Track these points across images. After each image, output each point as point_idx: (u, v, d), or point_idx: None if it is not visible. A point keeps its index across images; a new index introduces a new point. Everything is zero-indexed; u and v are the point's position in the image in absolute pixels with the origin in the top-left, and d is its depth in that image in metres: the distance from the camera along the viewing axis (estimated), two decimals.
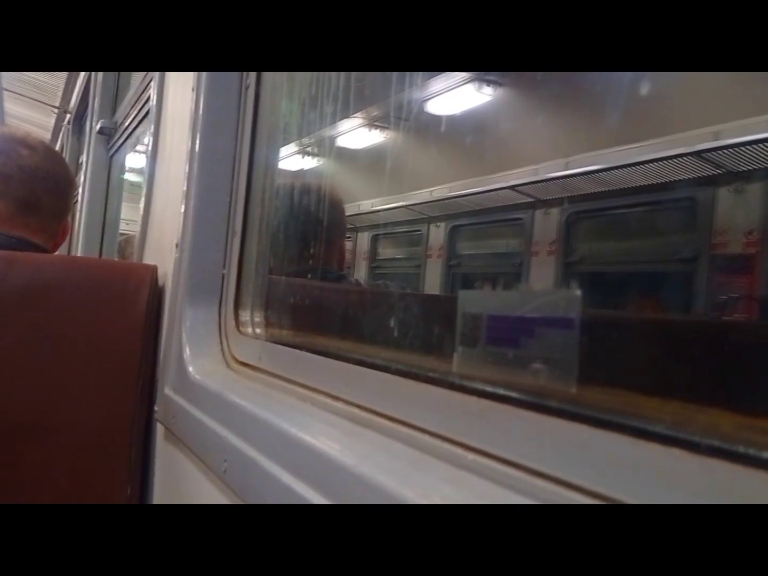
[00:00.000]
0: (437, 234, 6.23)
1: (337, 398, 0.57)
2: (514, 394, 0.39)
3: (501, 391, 0.39)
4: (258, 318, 0.85)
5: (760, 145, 3.32)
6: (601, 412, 0.33)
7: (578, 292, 0.35)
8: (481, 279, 5.15)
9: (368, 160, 5.53)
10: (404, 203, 6.08)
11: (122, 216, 2.38)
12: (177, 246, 0.92)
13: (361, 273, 7.12)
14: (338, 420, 0.54)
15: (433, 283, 6.17)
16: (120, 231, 2.46)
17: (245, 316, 0.85)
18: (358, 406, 0.54)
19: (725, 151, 3.50)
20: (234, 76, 0.92)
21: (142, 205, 1.16)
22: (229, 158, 0.93)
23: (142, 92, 1.65)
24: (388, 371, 0.52)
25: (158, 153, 1.16)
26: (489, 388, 0.40)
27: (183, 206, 0.93)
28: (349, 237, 6.90)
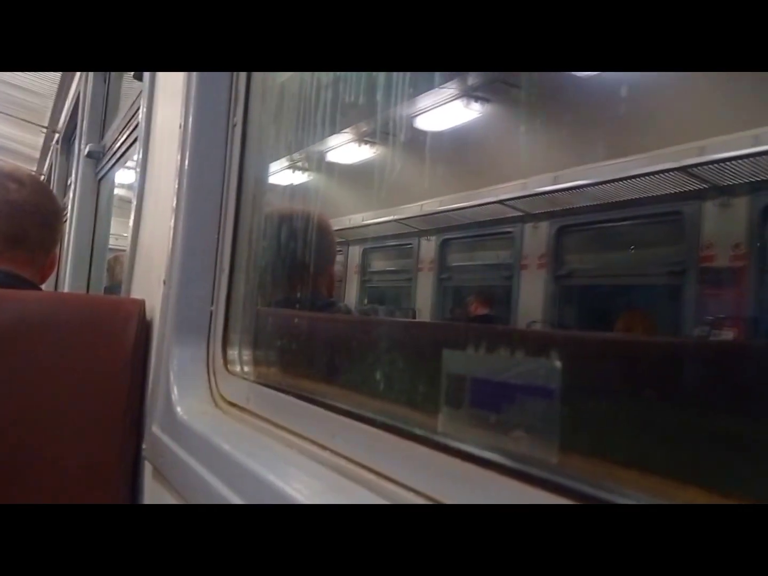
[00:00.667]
0: (428, 247, 6.25)
1: (324, 447, 0.57)
2: (495, 459, 0.39)
3: (484, 456, 0.40)
4: (246, 356, 0.85)
5: (745, 160, 3.35)
6: (580, 483, 0.34)
7: (558, 363, 0.35)
8: (472, 292, 5.15)
9: (359, 175, 5.56)
10: (395, 217, 6.10)
11: (111, 231, 2.38)
12: (164, 282, 0.92)
13: (352, 287, 7.12)
14: (324, 471, 0.54)
15: (424, 296, 6.19)
16: (109, 246, 2.47)
17: (233, 354, 0.85)
18: (345, 458, 0.54)
19: (711, 166, 3.54)
20: (221, 113, 0.92)
21: (129, 237, 1.16)
22: (217, 193, 0.93)
23: (131, 119, 1.66)
24: (372, 424, 0.52)
25: (146, 185, 1.16)
26: (472, 452, 0.41)
27: (170, 241, 0.93)
28: (340, 250, 6.91)
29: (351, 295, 7.10)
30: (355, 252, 7.26)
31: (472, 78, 4.34)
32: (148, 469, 0.90)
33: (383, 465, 0.49)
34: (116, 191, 2.37)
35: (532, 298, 4.87)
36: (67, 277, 2.15)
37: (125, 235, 1.24)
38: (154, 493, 0.88)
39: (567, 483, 0.35)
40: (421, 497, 0.44)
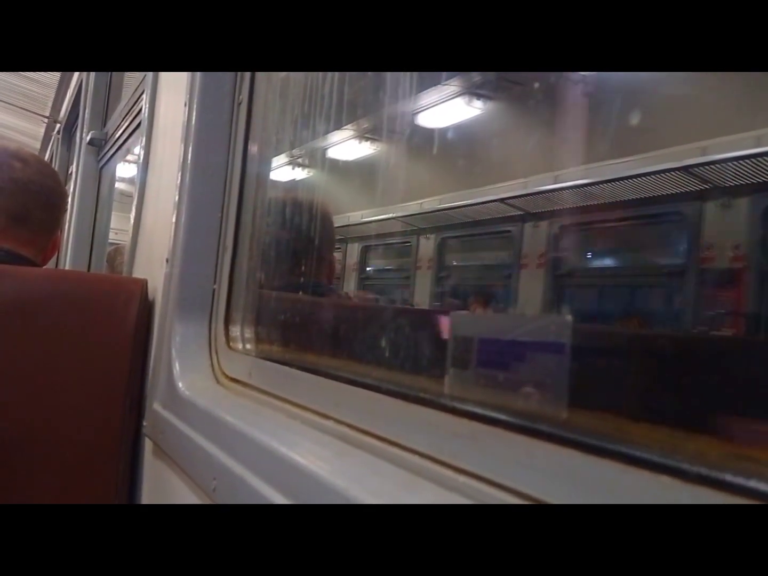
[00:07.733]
0: (427, 246, 6.25)
1: (327, 417, 0.57)
2: (503, 417, 0.39)
3: (491, 414, 0.40)
4: (248, 334, 0.85)
5: (746, 160, 3.36)
6: (590, 438, 0.34)
7: (569, 318, 0.35)
8: (471, 291, 5.16)
9: (358, 172, 5.55)
10: (394, 215, 6.09)
11: (111, 226, 2.37)
12: (167, 261, 0.92)
13: (350, 285, 7.12)
14: (328, 439, 0.54)
15: (422, 294, 6.18)
16: (109, 240, 2.45)
17: (235, 331, 0.85)
18: (348, 426, 0.54)
19: (712, 166, 3.54)
20: (227, 91, 0.92)
21: (132, 218, 1.16)
22: (221, 172, 0.93)
23: (134, 104, 1.65)
24: (378, 391, 0.52)
25: (149, 166, 1.16)
26: (480, 411, 0.40)
27: (173, 220, 0.92)
28: (339, 248, 6.91)
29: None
30: (354, 249, 7.26)
31: (475, 75, 4.33)
32: (148, 445, 0.90)
33: (386, 429, 0.49)
34: (117, 185, 2.36)
35: (531, 298, 4.86)
36: (68, 265, 2.15)
37: (126, 229, 1.23)
38: (154, 469, 0.87)
39: (576, 438, 0.34)
40: (426, 459, 0.44)
